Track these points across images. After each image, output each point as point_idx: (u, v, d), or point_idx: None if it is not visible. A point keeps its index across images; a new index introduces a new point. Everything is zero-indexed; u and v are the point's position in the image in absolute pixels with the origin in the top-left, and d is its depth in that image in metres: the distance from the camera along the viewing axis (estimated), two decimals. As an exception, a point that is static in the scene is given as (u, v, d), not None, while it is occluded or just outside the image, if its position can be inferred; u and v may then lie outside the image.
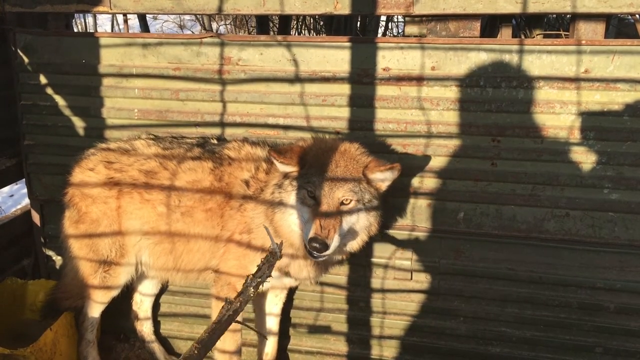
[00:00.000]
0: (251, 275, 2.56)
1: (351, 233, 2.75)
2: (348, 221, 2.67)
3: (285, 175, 2.76)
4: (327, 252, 2.56)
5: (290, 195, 2.72)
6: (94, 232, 3.19)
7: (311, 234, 2.55)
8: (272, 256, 2.52)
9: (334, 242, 2.56)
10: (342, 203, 2.64)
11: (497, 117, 2.98)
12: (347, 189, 2.63)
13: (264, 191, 2.90)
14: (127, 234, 3.19)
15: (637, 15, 3.18)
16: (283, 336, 3.59)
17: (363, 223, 2.75)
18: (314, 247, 2.53)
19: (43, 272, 3.90)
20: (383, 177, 2.74)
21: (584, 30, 2.91)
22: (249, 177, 2.99)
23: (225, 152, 3.11)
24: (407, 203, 3.20)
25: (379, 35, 7.53)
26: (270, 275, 2.57)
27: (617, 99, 2.83)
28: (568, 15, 3.07)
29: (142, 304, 3.70)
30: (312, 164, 2.69)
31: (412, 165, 3.12)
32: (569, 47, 2.83)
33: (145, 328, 3.72)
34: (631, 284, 3.05)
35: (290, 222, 2.75)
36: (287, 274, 2.97)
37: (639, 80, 2.78)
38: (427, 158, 3.10)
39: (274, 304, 3.39)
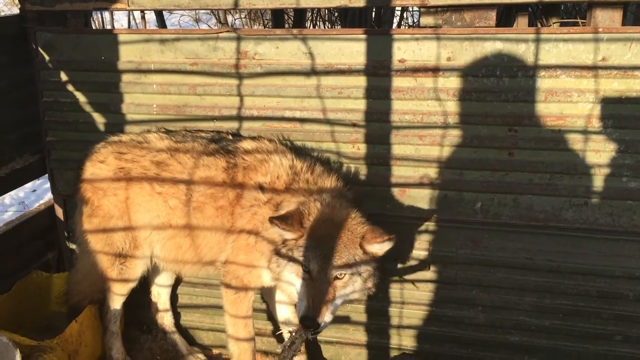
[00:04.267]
0: (287, 347, 2.68)
1: (347, 300, 2.79)
2: (342, 294, 2.68)
3: (284, 242, 2.74)
4: (318, 330, 2.59)
5: (286, 267, 2.72)
6: (106, 226, 3.25)
7: (303, 312, 2.57)
8: (304, 331, 2.66)
9: (326, 319, 2.59)
10: (336, 278, 2.63)
11: (513, 106, 2.97)
12: (341, 264, 2.61)
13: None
14: (138, 227, 3.24)
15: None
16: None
17: (359, 289, 2.75)
18: (305, 325, 2.57)
19: (67, 265, 3.98)
20: (379, 248, 2.71)
21: (601, 17, 2.89)
22: (264, 181, 3.00)
23: (240, 150, 3.13)
24: (425, 193, 3.22)
25: (394, 26, 7.51)
26: (300, 349, 2.81)
27: (635, 86, 2.81)
28: (585, 3, 3.04)
29: (160, 296, 3.77)
30: (310, 235, 2.67)
31: (429, 156, 3.13)
32: (585, 35, 2.82)
33: (165, 320, 3.79)
34: (650, 272, 3.05)
35: (287, 286, 2.80)
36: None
37: (658, 68, 2.76)
38: (443, 149, 3.11)
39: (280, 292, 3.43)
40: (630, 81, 2.81)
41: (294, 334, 2.82)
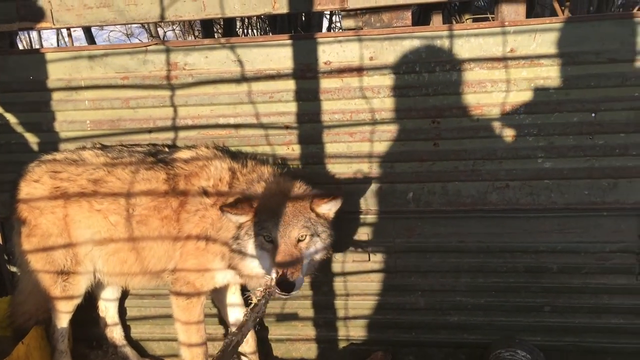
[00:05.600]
0: (249, 309, 2.75)
1: (312, 262, 2.92)
2: (307, 255, 2.83)
3: (240, 226, 2.87)
4: (294, 291, 2.71)
5: (248, 244, 2.85)
6: (46, 244, 3.24)
7: (277, 276, 2.68)
8: (268, 294, 2.75)
9: (299, 280, 2.73)
10: (298, 240, 2.79)
11: (434, 100, 3.16)
12: (300, 226, 2.78)
13: (223, 225, 2.99)
14: (78, 243, 3.24)
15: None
16: (261, 327, 3.72)
17: (321, 250, 2.91)
18: (283, 288, 2.67)
19: (9, 288, 3.92)
20: (328, 209, 2.90)
21: (507, 12, 3.11)
22: (208, 185, 3.08)
23: (178, 161, 3.19)
24: (359, 188, 3.36)
25: (324, 29, 7.68)
26: (265, 311, 2.86)
27: (541, 74, 3.04)
28: (493, -1, 3.26)
29: (107, 310, 3.77)
30: (263, 211, 2.81)
31: (360, 152, 3.28)
32: (494, 29, 3.03)
33: (115, 334, 3.79)
34: (570, 244, 3.28)
35: (252, 267, 2.91)
36: (241, 276, 3.10)
37: (559, 55, 2.99)
38: (373, 144, 3.27)
39: (231, 294, 3.51)
40: (537, 69, 3.04)
41: (257, 295, 2.90)
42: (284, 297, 2.72)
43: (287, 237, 2.75)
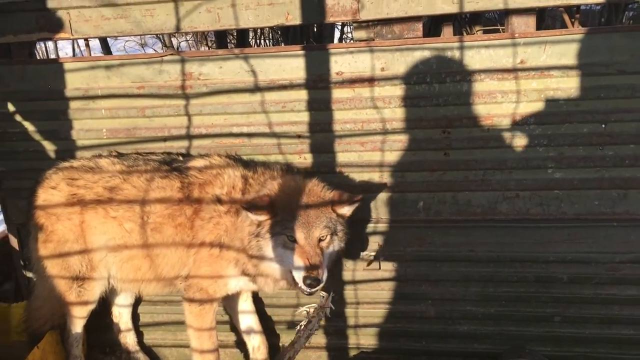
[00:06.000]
0: (303, 326, 2.82)
1: (330, 260, 2.98)
2: (327, 253, 2.91)
3: (259, 224, 2.92)
4: (320, 286, 2.80)
5: (269, 242, 2.90)
6: (62, 250, 3.30)
7: (303, 274, 2.77)
8: (321, 310, 2.91)
9: (324, 276, 2.80)
10: (320, 240, 2.86)
11: (445, 110, 3.19)
12: (322, 226, 2.86)
13: (238, 228, 3.04)
14: (93, 249, 3.30)
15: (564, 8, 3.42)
16: (272, 334, 3.76)
17: (337, 249, 3.00)
18: (309, 285, 2.75)
19: (25, 294, 3.98)
20: (349, 209, 2.99)
21: (517, 24, 3.14)
22: (221, 193, 3.14)
23: (192, 169, 3.25)
24: (370, 197, 3.39)
25: (335, 39, 7.76)
26: (318, 328, 3.04)
27: (551, 85, 3.06)
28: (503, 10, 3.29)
29: (121, 316, 3.82)
30: (284, 210, 2.88)
31: (372, 161, 3.32)
32: (504, 40, 3.06)
33: (128, 339, 3.84)
34: (581, 255, 3.29)
35: (272, 265, 2.96)
36: (254, 282, 3.17)
37: (570, 67, 3.02)
38: (384, 153, 3.31)
39: (243, 301, 3.56)
40: (547, 80, 3.06)
41: (311, 311, 2.97)
42: (310, 293, 2.81)
43: (310, 237, 2.82)
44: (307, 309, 3.16)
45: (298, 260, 2.81)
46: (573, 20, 3.35)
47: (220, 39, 5.97)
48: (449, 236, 3.41)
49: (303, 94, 3.31)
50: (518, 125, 3.14)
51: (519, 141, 3.17)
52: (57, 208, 3.27)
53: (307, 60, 3.27)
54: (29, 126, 3.61)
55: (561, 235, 3.29)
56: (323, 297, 3.13)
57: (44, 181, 3.36)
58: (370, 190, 3.37)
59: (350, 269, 3.56)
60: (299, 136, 3.36)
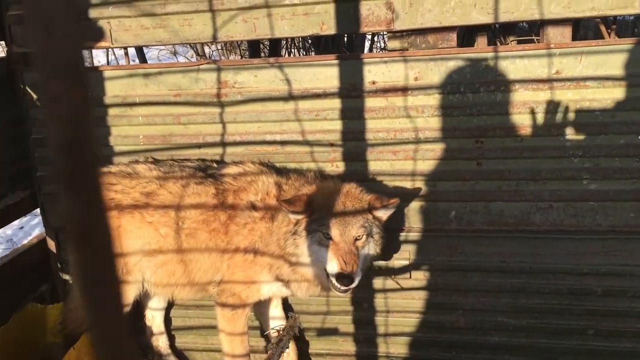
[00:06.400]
0: (274, 344, 2.85)
1: (365, 262, 3.00)
2: (362, 253, 2.92)
3: (297, 222, 2.97)
4: (353, 285, 2.81)
5: (305, 240, 2.94)
6: None
7: (337, 271, 2.79)
8: (291, 329, 2.95)
9: (358, 275, 2.82)
10: (355, 239, 2.88)
11: (478, 120, 3.19)
12: (359, 226, 2.88)
13: (273, 233, 3.09)
14: (129, 253, 3.36)
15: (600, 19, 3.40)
16: (302, 341, 3.78)
17: (373, 251, 3.01)
18: (342, 282, 2.78)
19: (61, 296, 4.09)
20: (385, 211, 3.02)
21: (553, 34, 3.14)
22: (256, 200, 3.19)
23: (226, 176, 3.30)
24: (402, 206, 3.40)
25: (366, 48, 7.79)
26: (288, 346, 3.07)
27: (587, 95, 3.05)
28: (538, 21, 3.29)
29: (153, 319, 3.89)
30: (321, 208, 2.92)
31: (404, 170, 3.34)
32: (539, 51, 3.06)
33: (160, 343, 3.91)
34: (615, 267, 3.24)
35: (307, 263, 2.98)
36: (287, 287, 3.20)
37: (606, 78, 3.00)
38: (416, 162, 3.32)
39: (274, 307, 3.59)
40: (583, 91, 3.05)
41: (281, 331, 3.00)
42: (343, 290, 2.82)
43: (346, 234, 2.84)
44: (278, 328, 3.25)
45: (332, 257, 2.83)
46: (609, 30, 3.32)
47: (254, 47, 6.06)
48: (480, 246, 3.40)
49: (336, 103, 3.34)
50: (553, 135, 3.13)
51: (554, 152, 3.15)
52: (95, 212, 3.34)
53: (340, 70, 3.30)
54: (69, 132, 3.70)
55: (596, 247, 3.25)
56: (291, 317, 3.22)
57: (83, 186, 3.43)
58: (401, 199, 3.37)
59: (381, 277, 3.56)
60: (332, 144, 3.39)
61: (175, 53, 11.55)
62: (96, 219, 0.72)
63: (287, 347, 2.97)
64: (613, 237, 3.22)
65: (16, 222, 5.77)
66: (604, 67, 3.00)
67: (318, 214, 2.91)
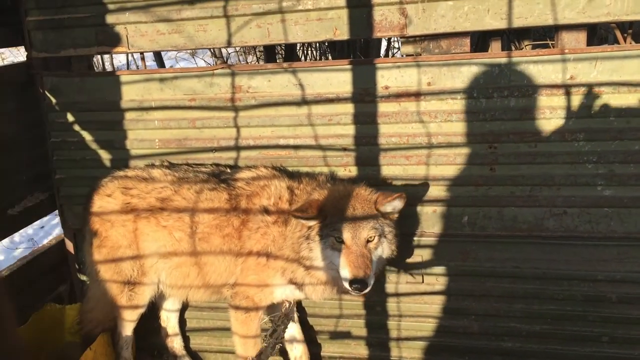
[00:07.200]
0: (268, 336, 2.85)
1: (380, 261, 3.01)
2: (376, 255, 2.93)
3: (310, 227, 2.99)
4: (367, 290, 2.81)
5: (318, 245, 2.96)
6: (115, 255, 3.44)
7: (350, 276, 2.80)
8: (286, 318, 2.86)
9: (372, 279, 2.83)
10: (368, 241, 2.89)
11: (492, 125, 3.18)
12: (370, 227, 2.89)
13: (287, 237, 3.11)
14: (145, 255, 3.42)
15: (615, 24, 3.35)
16: (313, 344, 3.80)
17: (387, 252, 3.02)
18: (355, 288, 2.78)
19: (79, 296, 4.15)
20: (392, 207, 2.99)
21: (567, 39, 3.11)
22: (269, 204, 3.21)
23: (239, 181, 3.34)
24: (415, 211, 3.41)
25: (382, 53, 7.78)
26: (284, 337, 3.01)
27: (602, 101, 3.02)
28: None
29: (168, 320, 3.94)
30: (332, 213, 2.93)
31: (416, 175, 3.34)
32: (553, 56, 3.04)
33: (175, 344, 3.95)
34: (630, 274, 3.21)
35: (321, 267, 3.00)
36: (301, 290, 3.22)
37: (621, 83, 2.97)
38: (429, 167, 3.32)
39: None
40: (597, 97, 3.02)
41: (276, 320, 3.00)
42: (357, 295, 2.83)
43: (357, 237, 2.86)
44: (272, 318, 3.22)
45: (344, 262, 2.84)
46: (625, 35, 3.28)
47: (269, 50, 6.09)
48: (493, 251, 3.39)
49: (349, 108, 3.35)
50: (567, 141, 3.10)
51: (568, 157, 3.12)
52: (112, 215, 3.41)
53: (354, 75, 3.31)
54: (86, 136, 3.77)
55: (610, 254, 3.22)
56: (286, 306, 3.19)
57: (100, 189, 3.50)
58: (414, 203, 3.38)
59: (393, 282, 3.57)
60: (345, 149, 3.40)
61: (193, 54, 11.65)
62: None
63: (282, 338, 2.96)
64: (628, 244, 3.19)
65: (37, 222, 5.88)
66: (619, 73, 2.97)
67: (330, 218, 2.92)
